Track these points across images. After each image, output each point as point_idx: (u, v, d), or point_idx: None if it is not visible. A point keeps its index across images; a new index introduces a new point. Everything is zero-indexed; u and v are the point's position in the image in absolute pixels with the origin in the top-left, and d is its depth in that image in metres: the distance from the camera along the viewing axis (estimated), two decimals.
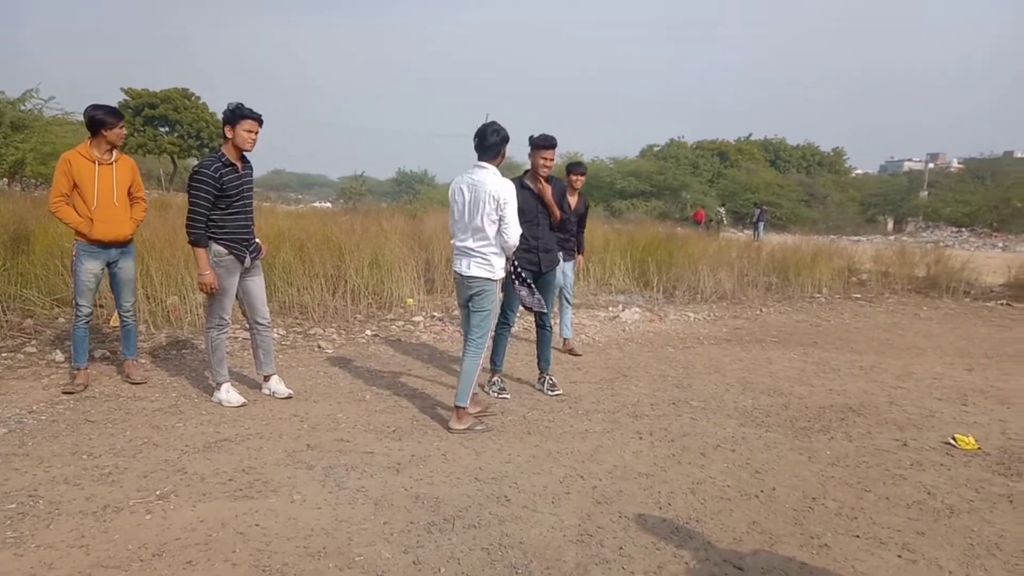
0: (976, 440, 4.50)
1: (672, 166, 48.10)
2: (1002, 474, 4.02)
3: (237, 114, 4.38)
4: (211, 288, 4.43)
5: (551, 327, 5.37)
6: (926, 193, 49.71)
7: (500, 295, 4.45)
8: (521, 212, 5.07)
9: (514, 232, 4.23)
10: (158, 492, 3.30)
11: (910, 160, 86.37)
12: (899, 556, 3.02)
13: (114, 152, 4.72)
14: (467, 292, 4.38)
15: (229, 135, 4.41)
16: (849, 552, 3.04)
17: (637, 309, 9.20)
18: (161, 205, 9.86)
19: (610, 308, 9.27)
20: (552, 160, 5.00)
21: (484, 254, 4.27)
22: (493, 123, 4.33)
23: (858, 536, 3.19)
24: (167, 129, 42.34)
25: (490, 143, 4.27)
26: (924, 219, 47.21)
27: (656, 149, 54.82)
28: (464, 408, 4.38)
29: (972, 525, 3.35)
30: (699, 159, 51.63)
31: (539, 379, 5.42)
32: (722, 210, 33.68)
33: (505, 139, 4.33)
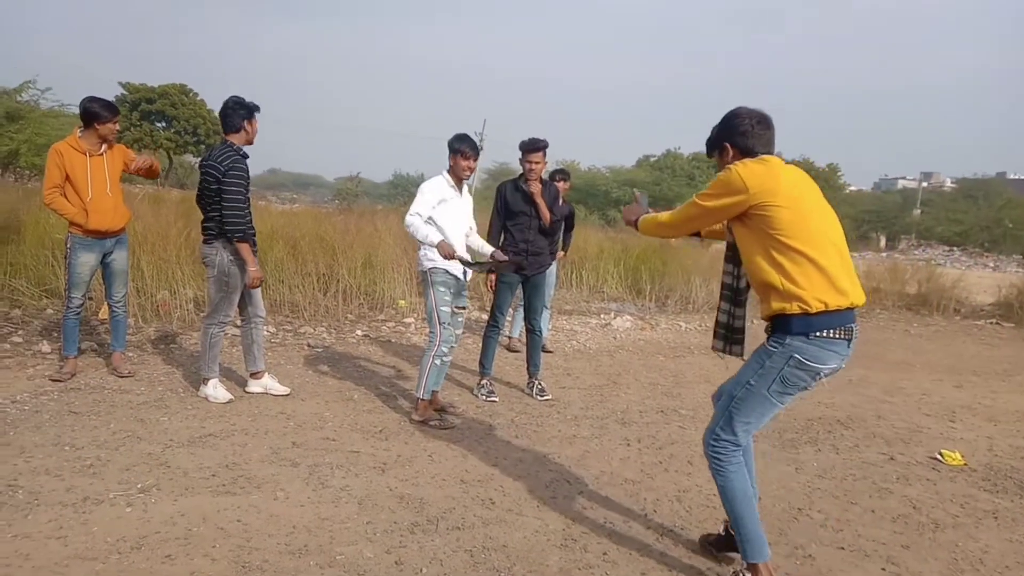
0: (963, 456, 4.51)
1: (668, 177, 48.17)
2: (988, 490, 4.03)
3: (254, 109, 4.53)
4: (261, 282, 4.60)
5: (542, 332, 5.35)
6: (919, 211, 49.92)
7: (441, 291, 4.46)
8: (513, 215, 5.12)
9: (407, 216, 4.32)
10: (139, 485, 3.27)
11: (904, 178, 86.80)
12: (883, 569, 3.01)
13: (103, 145, 4.70)
14: None
15: (248, 128, 4.52)
16: (833, 564, 3.03)
17: (629, 317, 9.20)
18: (155, 200, 9.82)
19: (602, 315, 9.26)
20: (539, 163, 5.01)
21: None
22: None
23: (843, 548, 3.18)
24: (164, 125, 42.15)
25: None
26: (916, 237, 47.39)
27: (652, 160, 54.90)
28: (421, 400, 4.52)
29: (956, 540, 3.35)
30: (695, 170, 51.71)
31: (528, 384, 5.41)
32: None
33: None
